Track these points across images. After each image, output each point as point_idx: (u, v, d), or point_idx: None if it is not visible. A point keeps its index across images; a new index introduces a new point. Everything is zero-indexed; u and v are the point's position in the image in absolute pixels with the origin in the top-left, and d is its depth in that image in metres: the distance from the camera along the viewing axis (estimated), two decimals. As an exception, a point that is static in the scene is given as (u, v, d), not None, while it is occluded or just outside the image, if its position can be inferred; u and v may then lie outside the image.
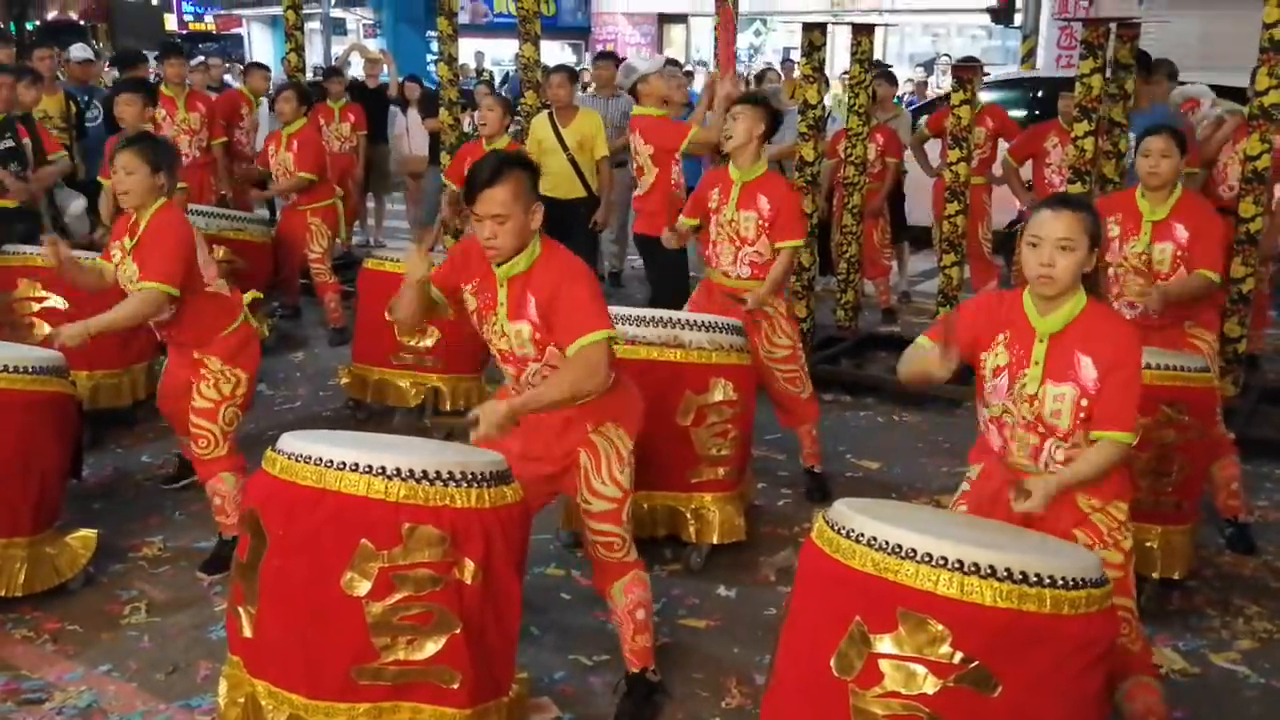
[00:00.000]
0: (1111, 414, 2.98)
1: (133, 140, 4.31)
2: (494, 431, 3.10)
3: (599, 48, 21.92)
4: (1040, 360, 3.04)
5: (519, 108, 8.26)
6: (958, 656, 2.41)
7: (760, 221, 4.85)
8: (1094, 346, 3.00)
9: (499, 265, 3.27)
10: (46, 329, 5.45)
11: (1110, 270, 4.52)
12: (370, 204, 11.31)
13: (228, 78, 11.90)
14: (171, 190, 4.31)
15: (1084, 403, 3.00)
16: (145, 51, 10.44)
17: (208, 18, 29.83)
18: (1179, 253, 4.45)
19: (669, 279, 6.35)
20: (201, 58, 10.96)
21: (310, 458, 2.87)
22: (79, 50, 8.72)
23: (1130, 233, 4.52)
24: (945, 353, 3.03)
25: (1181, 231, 4.45)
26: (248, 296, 4.58)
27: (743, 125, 4.87)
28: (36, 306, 5.62)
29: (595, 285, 3.33)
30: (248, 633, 2.96)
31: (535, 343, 3.30)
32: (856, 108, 7.28)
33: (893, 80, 9.52)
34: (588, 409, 3.37)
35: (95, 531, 4.39)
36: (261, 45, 28.31)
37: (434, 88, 10.45)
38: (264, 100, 9.85)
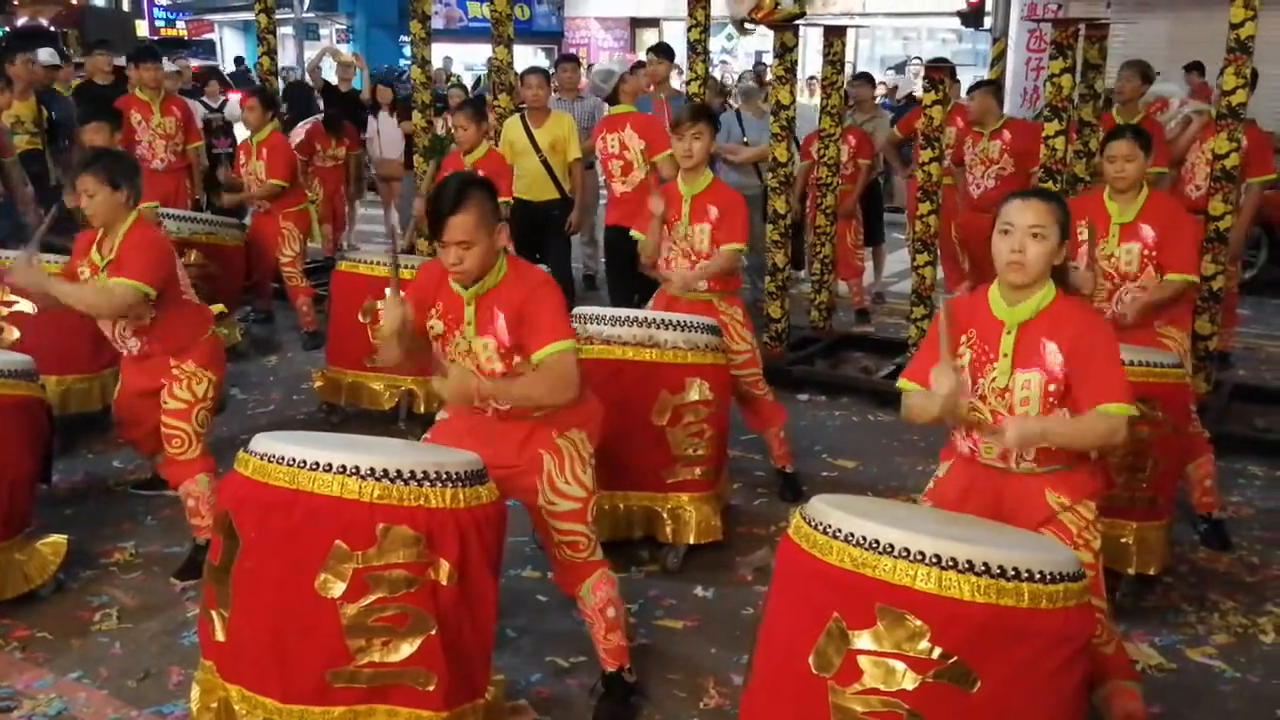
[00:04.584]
0: (1105, 388, 2.97)
1: (88, 162, 4.25)
2: (456, 390, 3.14)
3: (572, 52, 21.91)
4: (1009, 352, 3.05)
5: (494, 109, 8.23)
6: (936, 652, 2.40)
7: (713, 231, 4.81)
8: (1060, 333, 3.02)
9: (466, 288, 3.29)
10: (16, 334, 5.40)
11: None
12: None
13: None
14: (137, 201, 4.28)
15: (1051, 388, 3.01)
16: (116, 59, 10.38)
17: (179, 23, 29.63)
18: (1146, 253, 4.48)
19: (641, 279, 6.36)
20: (174, 68, 10.88)
21: (283, 458, 2.85)
22: (47, 55, 8.65)
23: (1099, 236, 4.54)
24: (950, 363, 3.04)
25: (1148, 232, 4.48)
26: (215, 309, 4.60)
27: (702, 145, 4.78)
28: (5, 310, 5.55)
29: (560, 297, 3.37)
30: (220, 636, 2.94)
31: (501, 357, 3.32)
32: (829, 109, 7.29)
33: (871, 82, 9.57)
34: (551, 418, 3.41)
35: (66, 537, 4.33)
36: (234, 50, 28.13)
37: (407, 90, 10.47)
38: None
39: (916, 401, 3.13)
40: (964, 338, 3.14)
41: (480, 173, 6.29)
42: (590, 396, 3.61)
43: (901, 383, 3.28)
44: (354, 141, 10.02)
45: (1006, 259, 3.02)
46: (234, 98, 11.25)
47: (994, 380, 3.07)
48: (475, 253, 3.19)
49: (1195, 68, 9.79)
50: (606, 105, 9.76)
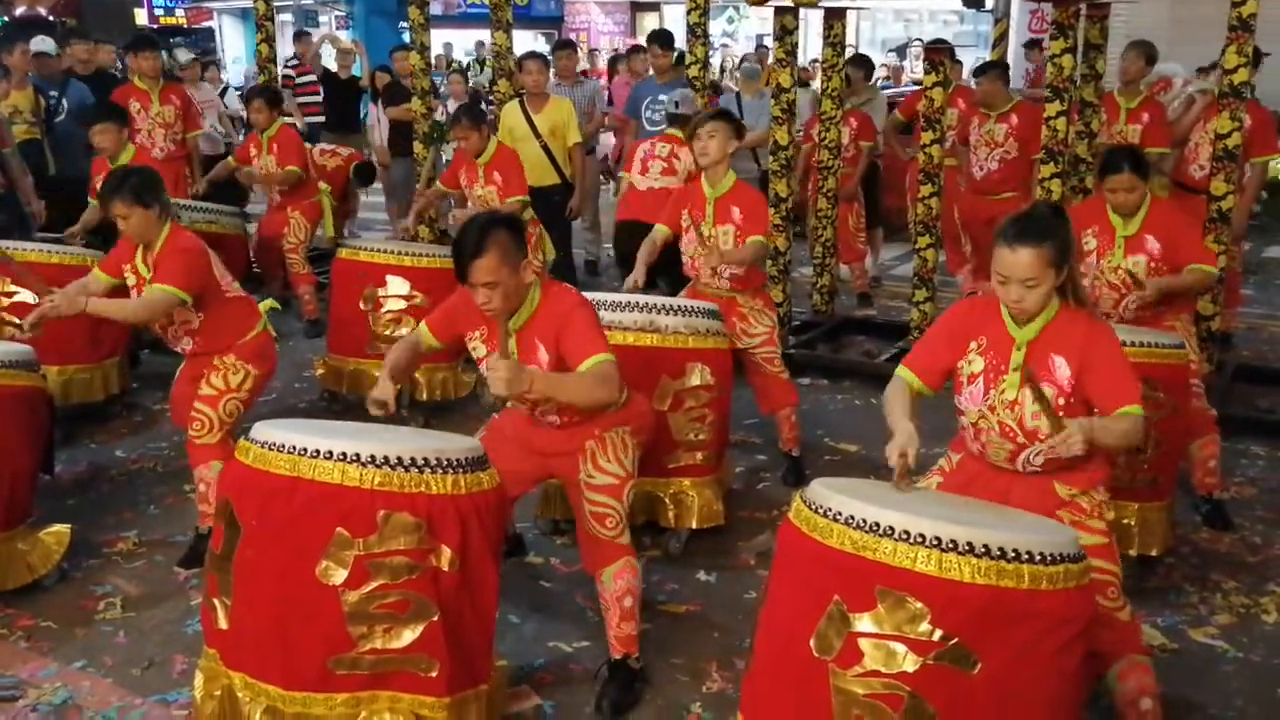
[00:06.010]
0: (1114, 394, 3.00)
1: (114, 189, 4.26)
2: (503, 386, 3.08)
3: (572, 36, 21.87)
4: (1018, 367, 3.07)
5: (492, 96, 8.21)
6: (937, 634, 2.41)
7: (737, 233, 4.86)
8: (1065, 346, 3.04)
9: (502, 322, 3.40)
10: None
11: (1087, 281, 4.55)
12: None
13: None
14: (169, 212, 4.37)
15: (1061, 402, 3.02)
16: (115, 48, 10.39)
17: (178, 11, 29.56)
18: (1152, 265, 4.52)
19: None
20: (191, 56, 10.85)
21: (284, 446, 2.86)
22: (39, 43, 8.62)
23: (1106, 247, 4.57)
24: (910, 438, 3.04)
25: (1153, 243, 4.51)
26: (265, 305, 4.67)
27: (717, 143, 4.84)
28: (6, 302, 5.55)
29: (592, 313, 3.47)
30: (223, 624, 2.95)
31: None
32: (830, 91, 7.27)
33: (865, 65, 9.52)
34: (599, 419, 3.54)
35: (69, 527, 4.34)
36: (233, 38, 28.08)
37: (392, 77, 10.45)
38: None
39: (891, 410, 3.16)
40: (974, 344, 3.16)
41: (497, 174, 6.30)
42: (637, 398, 3.73)
43: (900, 369, 3.29)
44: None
45: (1009, 304, 3.06)
46: (234, 90, 11.24)
47: (1003, 393, 3.09)
48: (501, 291, 3.30)
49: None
50: (608, 91, 9.71)
